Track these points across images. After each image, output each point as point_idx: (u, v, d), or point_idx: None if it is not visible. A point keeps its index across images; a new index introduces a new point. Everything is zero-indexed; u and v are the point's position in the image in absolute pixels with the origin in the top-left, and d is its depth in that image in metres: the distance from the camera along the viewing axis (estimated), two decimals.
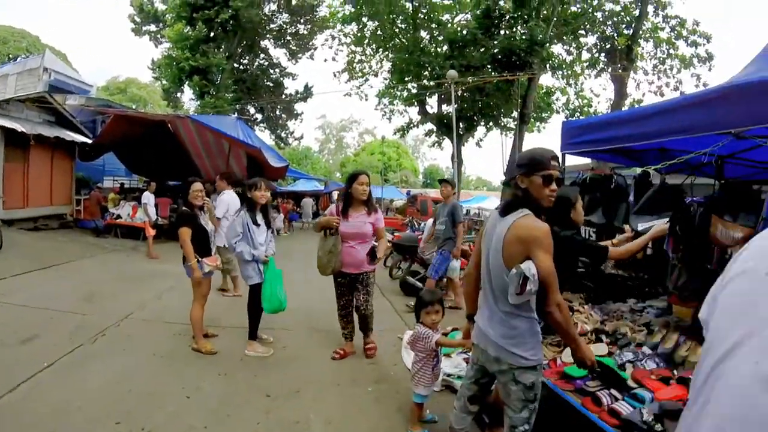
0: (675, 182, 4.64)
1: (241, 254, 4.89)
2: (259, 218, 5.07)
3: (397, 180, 49.40)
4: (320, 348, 5.24)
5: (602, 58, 17.27)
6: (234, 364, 4.66)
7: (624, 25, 16.06)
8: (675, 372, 3.09)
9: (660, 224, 3.69)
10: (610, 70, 16.02)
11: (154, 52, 46.21)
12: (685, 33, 15.71)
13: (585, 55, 18.57)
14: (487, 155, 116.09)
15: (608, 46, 16.29)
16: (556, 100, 22.40)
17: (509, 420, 2.53)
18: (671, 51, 16.24)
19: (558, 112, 22.42)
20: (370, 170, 50.05)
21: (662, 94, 17.05)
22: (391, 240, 9.08)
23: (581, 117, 21.39)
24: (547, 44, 15.75)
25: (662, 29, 15.99)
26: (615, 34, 16.19)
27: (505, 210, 2.51)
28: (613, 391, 2.92)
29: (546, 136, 50.17)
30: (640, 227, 4.32)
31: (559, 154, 3.67)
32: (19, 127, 11.56)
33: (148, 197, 11.42)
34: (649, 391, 2.83)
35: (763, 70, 2.93)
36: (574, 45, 17.88)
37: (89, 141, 14.84)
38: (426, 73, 19.72)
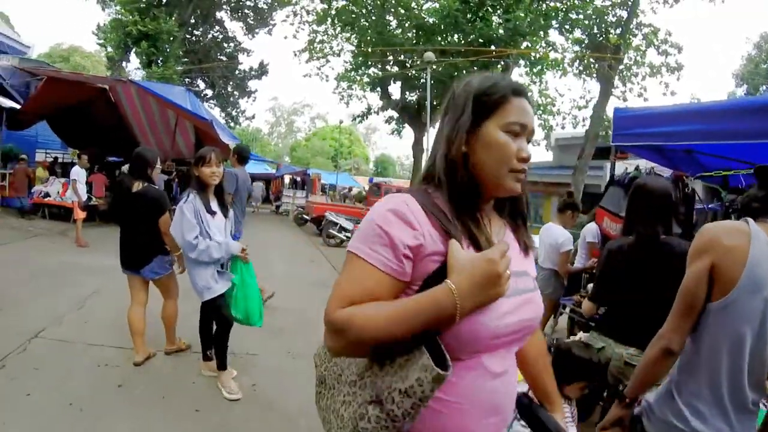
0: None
1: (206, 253, 3.33)
2: (214, 204, 3.53)
3: (348, 167, 47.85)
4: (306, 383, 3.83)
5: (582, 56, 16.38)
6: (198, 409, 3.18)
7: (610, 25, 15.16)
8: None
9: None
10: (597, 66, 15.01)
11: (100, 16, 42.14)
12: (656, 42, 15.05)
13: (562, 54, 17.75)
14: None
15: (598, 42, 15.30)
16: None
17: None
18: (638, 58, 15.53)
19: None
20: (321, 156, 47.99)
21: (625, 99, 16.36)
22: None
23: (543, 114, 20.72)
24: (529, 36, 14.71)
25: (635, 35, 15.31)
26: (603, 33, 15.19)
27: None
28: None
29: None
30: None
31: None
32: None
33: (77, 173, 9.18)
34: None
35: None
36: (547, 40, 16.95)
37: (18, 107, 12.54)
38: (390, 58, 18.38)
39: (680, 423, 1.55)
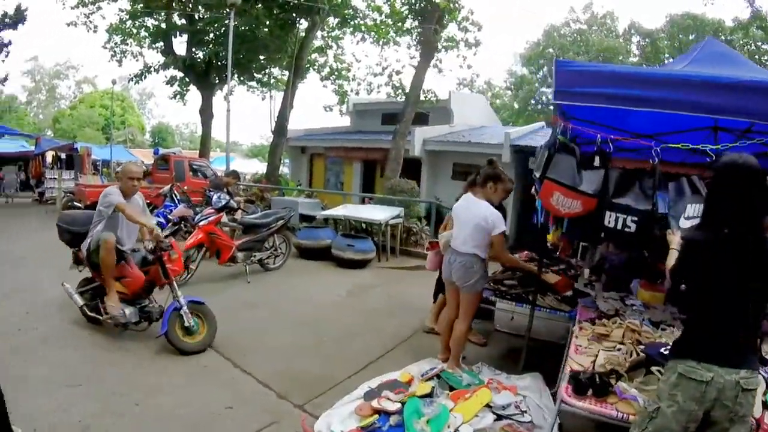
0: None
1: None
2: None
3: (122, 139, 40.87)
4: None
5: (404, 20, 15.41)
6: None
7: None
8: None
9: None
10: (421, 30, 14.15)
11: None
12: (458, 18, 14.90)
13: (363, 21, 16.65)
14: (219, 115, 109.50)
15: (422, 7, 14.38)
16: (315, 60, 20.21)
17: None
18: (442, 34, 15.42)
19: (319, 72, 20.28)
20: (89, 127, 40.49)
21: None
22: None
23: (338, 80, 19.62)
24: None
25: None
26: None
27: None
28: None
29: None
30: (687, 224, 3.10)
31: None
32: None
33: None
34: None
35: None
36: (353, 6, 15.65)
37: None
38: (176, 4, 15.15)
39: None
